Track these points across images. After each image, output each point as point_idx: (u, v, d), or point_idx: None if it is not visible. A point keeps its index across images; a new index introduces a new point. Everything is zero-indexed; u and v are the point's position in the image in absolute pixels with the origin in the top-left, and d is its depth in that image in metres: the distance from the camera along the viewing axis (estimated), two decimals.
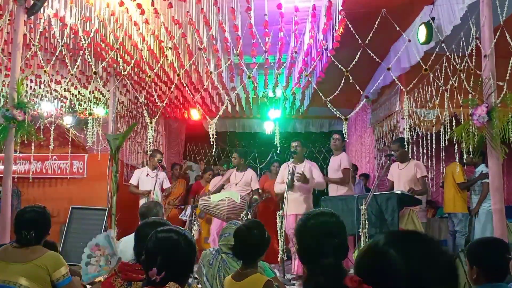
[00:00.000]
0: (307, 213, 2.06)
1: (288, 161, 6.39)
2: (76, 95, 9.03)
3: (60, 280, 2.85)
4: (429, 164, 6.15)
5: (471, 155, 4.30)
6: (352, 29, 4.74)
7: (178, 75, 6.47)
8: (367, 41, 4.68)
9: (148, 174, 7.20)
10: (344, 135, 5.12)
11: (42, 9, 5.28)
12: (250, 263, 2.79)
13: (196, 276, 3.66)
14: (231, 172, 7.01)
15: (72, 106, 9.45)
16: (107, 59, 6.33)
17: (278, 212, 5.66)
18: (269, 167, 8.67)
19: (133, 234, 3.18)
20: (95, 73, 5.92)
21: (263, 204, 7.21)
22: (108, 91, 8.42)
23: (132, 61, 6.48)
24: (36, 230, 2.88)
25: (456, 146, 4.76)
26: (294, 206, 5.97)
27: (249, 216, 5.77)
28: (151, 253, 1.93)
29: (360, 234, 4.53)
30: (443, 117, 5.59)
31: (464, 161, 6.30)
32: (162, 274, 1.82)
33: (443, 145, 5.60)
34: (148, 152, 6.64)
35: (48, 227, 3.04)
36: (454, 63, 4.74)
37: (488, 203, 6.31)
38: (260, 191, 7.02)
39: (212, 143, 5.32)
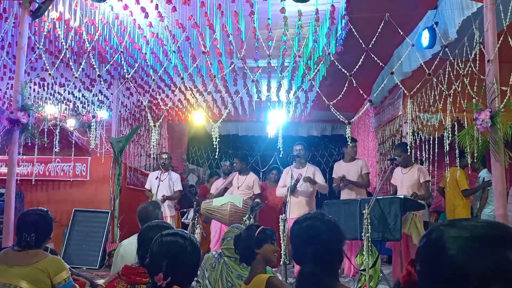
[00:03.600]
0: (298, 218, 1.99)
1: (290, 165, 6.38)
2: (80, 98, 9.06)
3: (61, 285, 2.83)
4: (432, 169, 6.13)
5: (470, 160, 4.28)
6: (355, 33, 4.74)
7: (182, 78, 6.49)
8: (370, 45, 4.68)
9: (157, 177, 7.20)
10: (348, 139, 5.10)
11: (46, 12, 5.31)
12: (251, 265, 2.81)
13: (198, 279, 3.65)
14: (233, 175, 7.01)
15: (75, 109, 9.48)
16: (111, 62, 6.36)
17: (280, 216, 5.65)
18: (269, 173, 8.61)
19: (133, 236, 3.17)
20: (99, 76, 5.94)
21: (264, 208, 7.19)
22: (112, 94, 8.45)
23: (136, 64, 6.50)
24: (36, 233, 2.87)
25: (457, 151, 4.74)
26: (297, 210, 5.96)
27: (251, 220, 5.75)
28: (156, 257, 1.90)
29: (362, 238, 4.51)
30: (446, 122, 5.58)
31: (468, 165, 6.26)
32: (168, 279, 1.81)
33: (441, 149, 5.59)
34: (152, 156, 6.65)
35: (49, 231, 3.03)
36: (458, 68, 4.74)
37: (489, 209, 6.29)
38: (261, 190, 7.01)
39: (215, 146, 5.32)
